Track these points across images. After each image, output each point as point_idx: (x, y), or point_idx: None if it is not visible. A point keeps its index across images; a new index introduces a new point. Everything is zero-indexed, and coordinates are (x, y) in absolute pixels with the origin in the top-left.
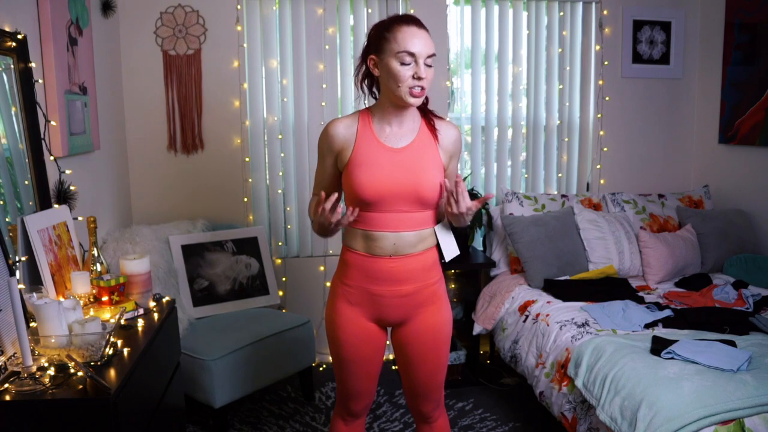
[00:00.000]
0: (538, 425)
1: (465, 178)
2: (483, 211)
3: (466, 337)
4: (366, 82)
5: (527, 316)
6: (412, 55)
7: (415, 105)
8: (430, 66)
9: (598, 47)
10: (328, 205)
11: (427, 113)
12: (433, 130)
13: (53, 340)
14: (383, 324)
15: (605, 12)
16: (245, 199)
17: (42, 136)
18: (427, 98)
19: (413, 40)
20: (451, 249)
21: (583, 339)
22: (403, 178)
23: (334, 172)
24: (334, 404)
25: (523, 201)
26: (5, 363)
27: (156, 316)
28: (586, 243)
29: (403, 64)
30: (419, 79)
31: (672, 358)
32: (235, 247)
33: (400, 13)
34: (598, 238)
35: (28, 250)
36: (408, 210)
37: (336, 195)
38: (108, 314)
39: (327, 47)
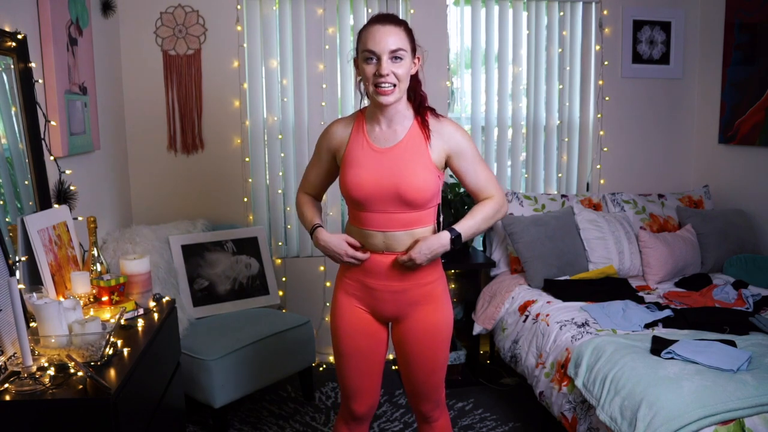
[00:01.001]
0: (538, 425)
1: None
2: None
3: (466, 337)
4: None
5: (527, 316)
6: (372, 52)
7: (385, 103)
8: (399, 59)
9: (598, 47)
10: (361, 255)
11: (422, 113)
12: (425, 129)
13: (53, 340)
14: (379, 317)
15: (605, 12)
16: (245, 199)
17: (42, 136)
18: (423, 97)
19: (373, 38)
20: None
21: (583, 339)
22: (386, 179)
23: (329, 170)
24: (337, 407)
25: (523, 201)
26: (5, 363)
27: (156, 316)
28: (586, 243)
29: (366, 63)
30: (380, 75)
31: (672, 358)
32: (235, 247)
33: (400, 12)
34: (598, 238)
35: (28, 250)
36: (395, 210)
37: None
38: (108, 314)
39: (327, 47)
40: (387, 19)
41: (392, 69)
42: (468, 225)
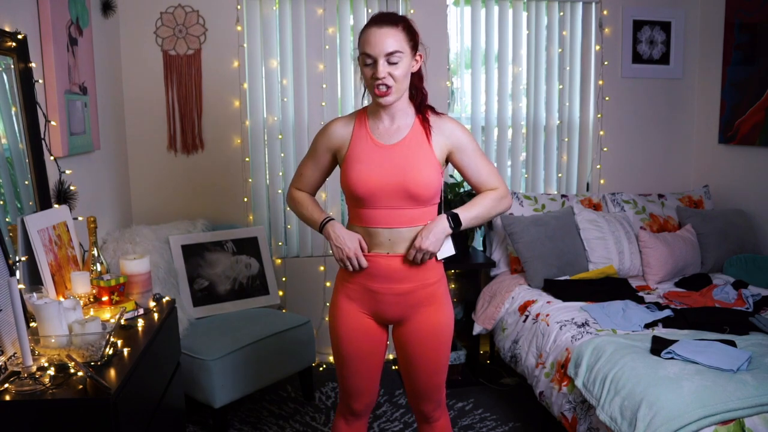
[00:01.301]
0: (538, 425)
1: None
2: None
3: (466, 337)
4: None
5: (527, 316)
6: (368, 55)
7: (384, 104)
8: (394, 63)
9: (598, 47)
10: (363, 261)
11: (422, 110)
12: (427, 126)
13: (53, 340)
14: (381, 321)
15: (605, 12)
16: (245, 199)
17: (42, 136)
18: (424, 95)
19: (369, 41)
20: (445, 248)
21: (583, 339)
22: (392, 175)
23: (325, 168)
24: (336, 404)
25: (523, 201)
26: (5, 363)
27: (156, 316)
28: (586, 243)
29: (365, 65)
30: (377, 78)
31: (672, 358)
32: (235, 247)
33: (400, 12)
34: (598, 238)
35: (28, 250)
36: (400, 206)
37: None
38: (108, 314)
39: (327, 47)
40: (383, 19)
41: (389, 71)
42: (466, 209)
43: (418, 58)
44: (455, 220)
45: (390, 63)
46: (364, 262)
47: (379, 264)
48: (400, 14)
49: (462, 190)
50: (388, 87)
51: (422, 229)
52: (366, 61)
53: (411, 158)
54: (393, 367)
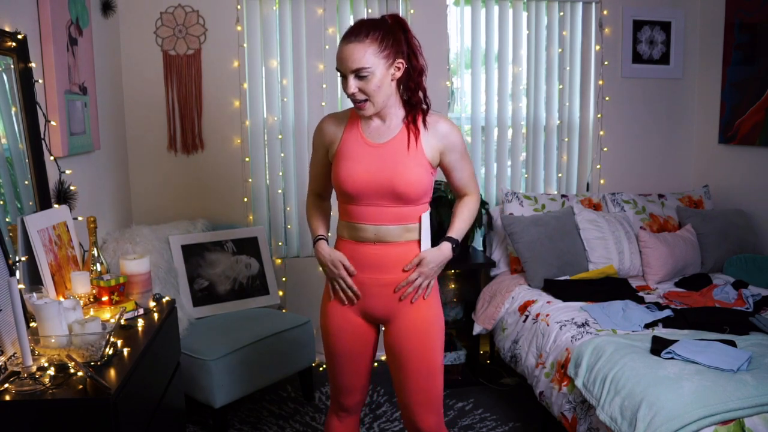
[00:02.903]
0: (538, 425)
1: None
2: (483, 211)
3: (466, 337)
4: None
5: (527, 316)
6: (339, 71)
7: (363, 116)
8: (363, 77)
9: (598, 47)
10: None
11: (415, 110)
12: (418, 126)
13: (53, 340)
14: (370, 318)
15: (605, 12)
16: (245, 199)
17: (42, 136)
18: (418, 97)
19: (339, 57)
20: (425, 243)
21: (583, 339)
22: (380, 173)
23: (326, 164)
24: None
25: (523, 201)
26: (5, 363)
27: (156, 316)
28: (586, 243)
29: (341, 79)
30: (350, 94)
31: (672, 358)
32: (235, 247)
33: (400, 12)
34: (598, 238)
35: (28, 250)
36: (388, 204)
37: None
38: (108, 314)
39: (327, 47)
40: (352, 33)
41: (359, 86)
42: (460, 228)
43: (399, 65)
44: (457, 247)
45: (359, 78)
46: (349, 280)
47: (365, 252)
48: (378, 20)
49: None
50: (363, 100)
51: (424, 258)
52: (340, 75)
53: (400, 157)
54: None
